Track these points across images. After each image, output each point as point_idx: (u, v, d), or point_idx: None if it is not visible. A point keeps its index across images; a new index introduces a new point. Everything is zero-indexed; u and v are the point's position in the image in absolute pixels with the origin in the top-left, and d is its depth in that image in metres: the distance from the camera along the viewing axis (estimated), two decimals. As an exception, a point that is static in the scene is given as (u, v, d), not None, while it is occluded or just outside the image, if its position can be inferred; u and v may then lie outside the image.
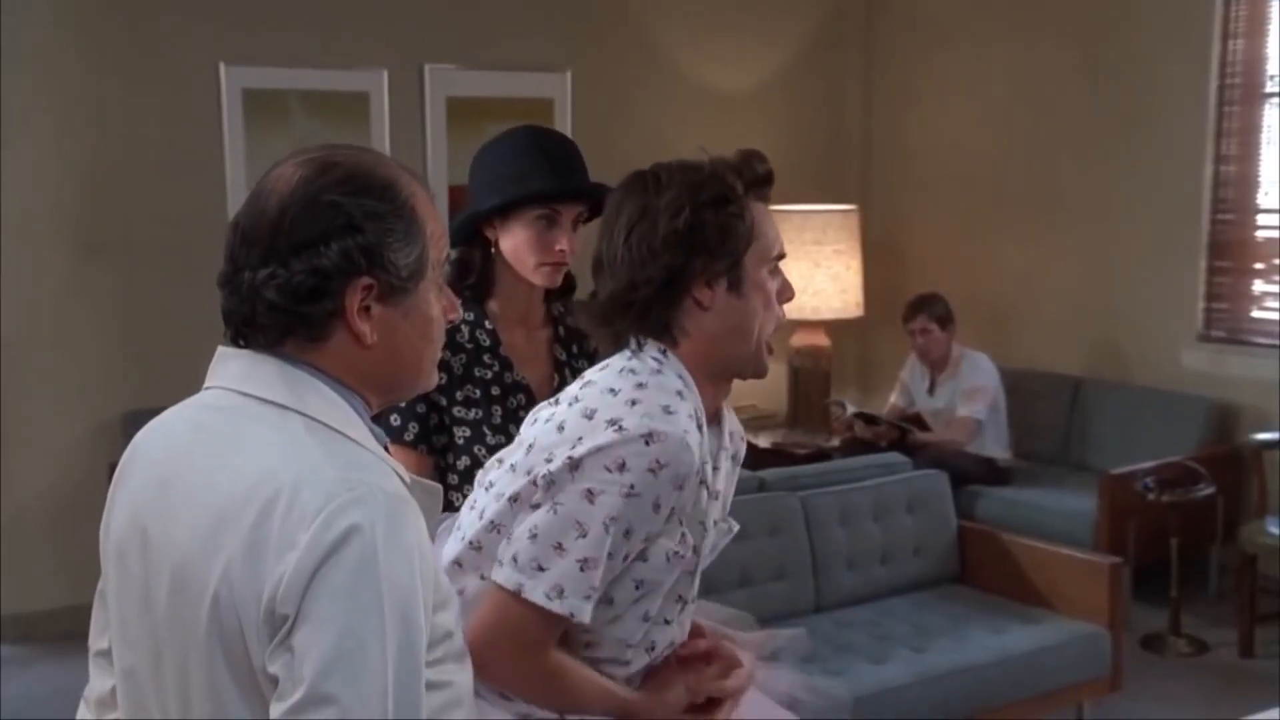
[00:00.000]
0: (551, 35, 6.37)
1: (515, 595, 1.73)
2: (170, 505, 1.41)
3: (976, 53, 6.81)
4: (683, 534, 1.82)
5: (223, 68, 5.59)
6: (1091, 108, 6.29)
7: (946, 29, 6.96)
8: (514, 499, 1.77)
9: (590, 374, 1.87)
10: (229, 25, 5.60)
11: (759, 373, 1.92)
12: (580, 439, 1.74)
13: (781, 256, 1.91)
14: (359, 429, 1.44)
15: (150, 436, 1.51)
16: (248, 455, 1.38)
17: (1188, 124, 5.91)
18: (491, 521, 1.79)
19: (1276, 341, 5.64)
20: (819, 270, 6.58)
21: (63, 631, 4.94)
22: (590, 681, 1.84)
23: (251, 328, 1.43)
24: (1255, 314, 5.87)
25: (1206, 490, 5.09)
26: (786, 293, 1.92)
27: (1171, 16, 5.96)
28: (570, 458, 1.73)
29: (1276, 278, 5.77)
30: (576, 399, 1.81)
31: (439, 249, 1.48)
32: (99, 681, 1.60)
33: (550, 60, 6.35)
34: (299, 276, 1.39)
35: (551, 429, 1.78)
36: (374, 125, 5.93)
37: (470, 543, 1.81)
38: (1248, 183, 5.85)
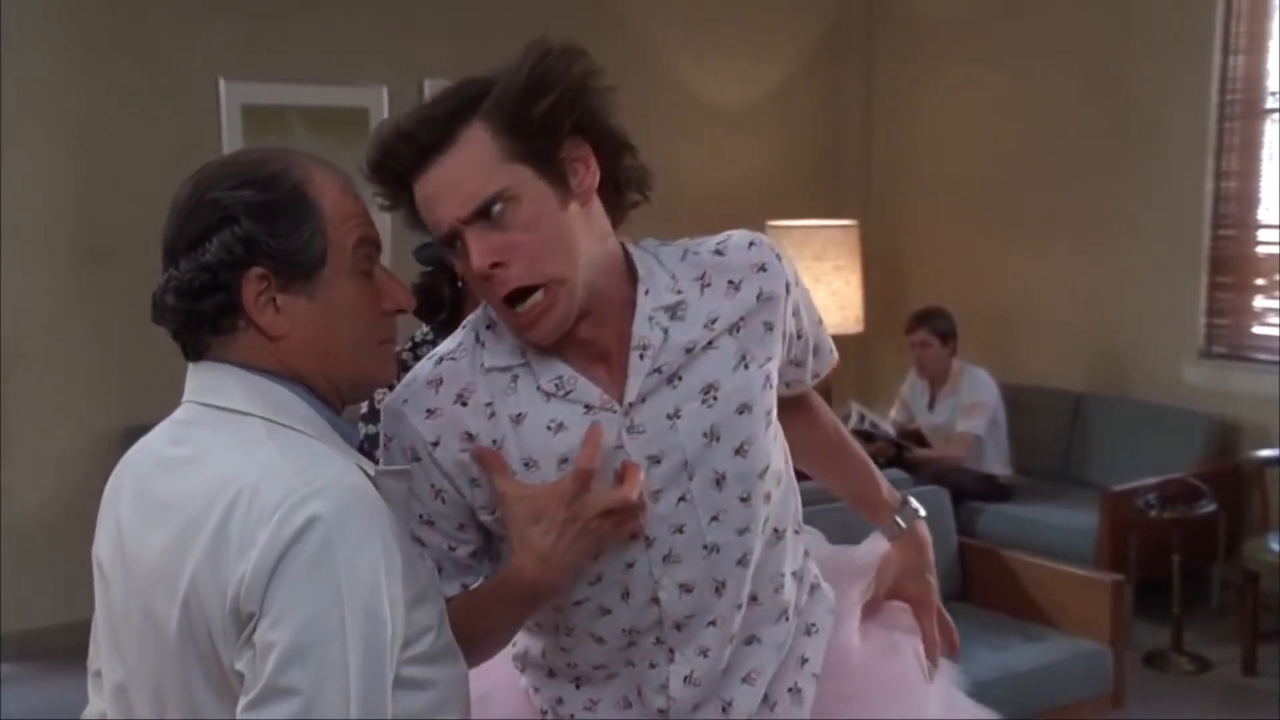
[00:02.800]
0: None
1: None
2: (143, 520, 1.43)
3: (976, 68, 6.82)
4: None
5: (222, 83, 5.59)
6: (1092, 123, 6.29)
7: (946, 43, 6.96)
8: None
9: None
10: (228, 40, 5.60)
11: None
12: None
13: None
14: (318, 425, 1.45)
15: (132, 457, 1.52)
16: (210, 464, 1.39)
17: (1188, 139, 5.91)
18: None
19: (1278, 358, 5.63)
20: (819, 286, 6.56)
21: (62, 648, 4.93)
22: (470, 607, 1.60)
23: (178, 338, 1.47)
24: (1256, 330, 5.86)
25: (1208, 507, 5.07)
26: None
27: (1172, 31, 5.96)
28: None
29: (1277, 293, 5.77)
30: None
31: (348, 232, 1.45)
32: (98, 702, 1.60)
33: (550, 76, 6.34)
34: (188, 275, 1.42)
35: None
36: (374, 141, 5.93)
37: None
38: (1248, 198, 5.85)
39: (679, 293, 1.60)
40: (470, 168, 1.48)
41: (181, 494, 1.39)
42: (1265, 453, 5.33)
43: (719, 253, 1.64)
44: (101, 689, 1.56)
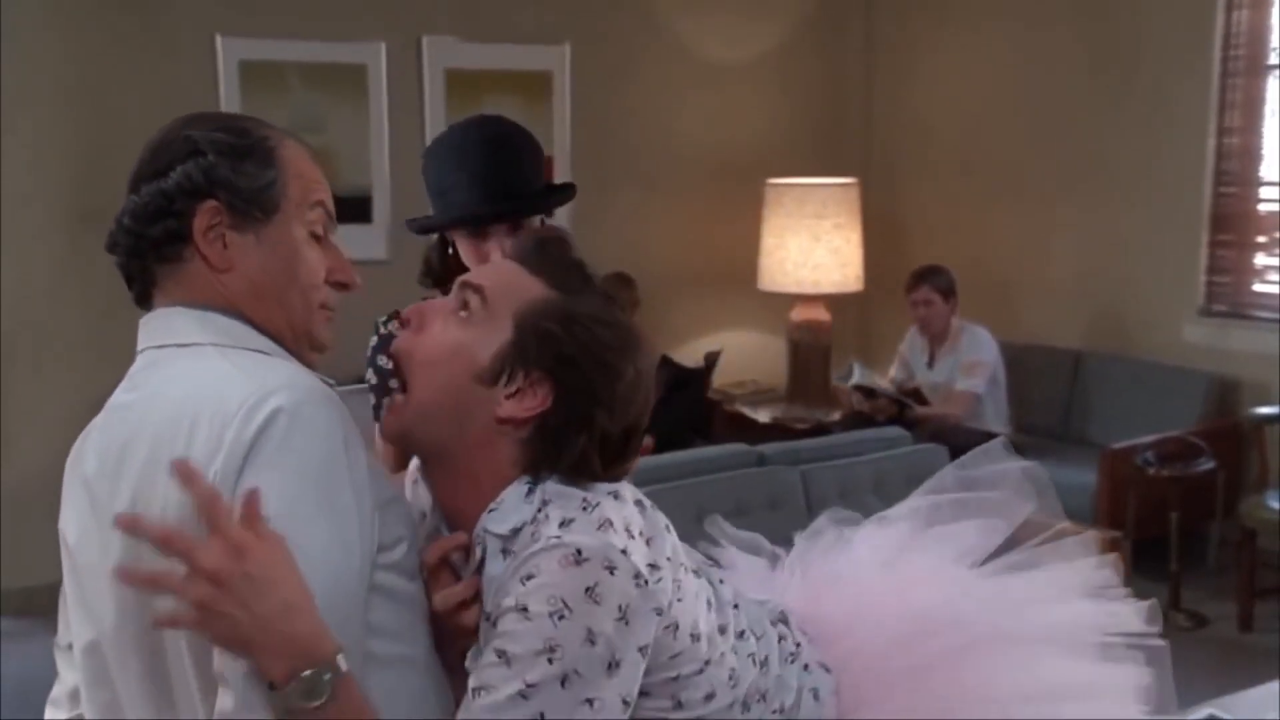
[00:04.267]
0: (551, 7, 6.34)
1: None
2: (109, 466, 1.45)
3: (979, 24, 6.78)
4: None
5: (219, 39, 5.56)
6: (1094, 80, 6.26)
7: (948, 1, 6.92)
8: None
9: None
10: (225, -4, 5.57)
11: None
12: None
13: None
14: (270, 346, 1.48)
15: (93, 422, 1.55)
16: (168, 392, 1.42)
17: (1190, 96, 5.88)
18: None
19: (1278, 315, 5.62)
20: (819, 244, 6.55)
21: (62, 605, 4.95)
22: None
23: (127, 270, 1.51)
24: (1257, 288, 5.85)
25: (1207, 464, 5.08)
26: None
27: (1175, -12, 5.92)
28: None
29: (1278, 251, 5.75)
30: None
31: (306, 192, 1.50)
32: (68, 675, 1.61)
33: (550, 32, 6.32)
34: (145, 198, 1.47)
35: None
36: (372, 98, 5.90)
37: None
38: (1250, 155, 5.82)
39: (514, 531, 1.47)
40: (505, 274, 1.53)
41: (143, 427, 1.41)
42: (1264, 410, 5.34)
43: (530, 547, 1.43)
44: (72, 660, 1.56)
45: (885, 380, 6.23)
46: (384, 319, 2.44)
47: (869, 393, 6.07)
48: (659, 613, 1.43)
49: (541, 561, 1.39)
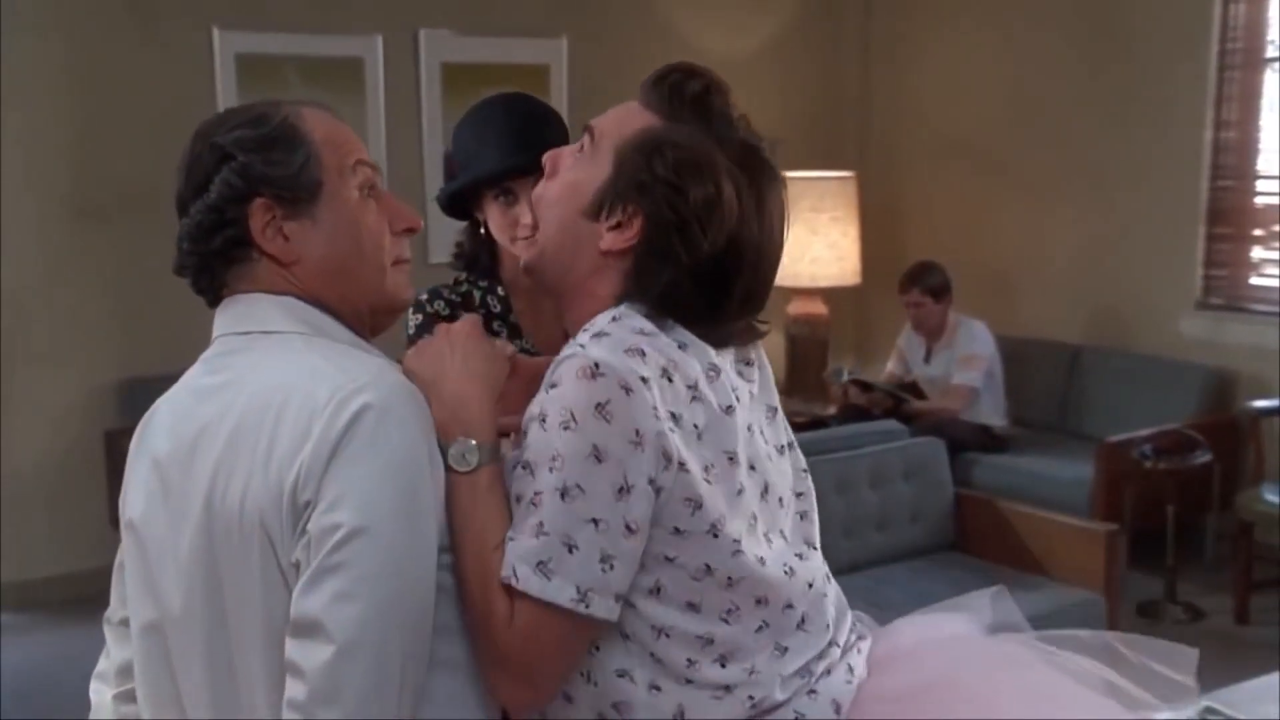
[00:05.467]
0: (548, 0, 6.33)
1: None
2: (185, 449, 1.45)
3: (975, 17, 6.77)
4: None
5: (216, 32, 5.55)
6: (1091, 73, 6.26)
7: (945, -6, 6.92)
8: None
9: None
10: (222, -11, 5.56)
11: None
12: None
13: None
14: (352, 338, 1.51)
15: (161, 404, 1.55)
16: (253, 380, 1.43)
17: (1188, 89, 5.88)
18: None
19: (1275, 308, 5.63)
20: (816, 238, 6.56)
21: (62, 598, 4.95)
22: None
23: (198, 286, 1.53)
24: (1254, 281, 5.86)
25: (1204, 458, 5.08)
26: None
27: (1172, -19, 5.92)
28: None
29: (1276, 244, 5.76)
30: None
31: (343, 155, 1.51)
32: (120, 651, 1.61)
33: (546, 25, 6.31)
34: (197, 218, 1.49)
35: None
36: (369, 92, 5.90)
37: None
38: (1248, 148, 5.83)
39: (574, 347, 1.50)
40: (618, 112, 1.60)
41: (225, 413, 1.42)
42: (1261, 403, 5.34)
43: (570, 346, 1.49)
44: (126, 638, 1.57)
45: (882, 376, 6.23)
46: (425, 296, 2.41)
47: (865, 386, 6.08)
48: (670, 460, 1.40)
49: (563, 370, 1.43)
